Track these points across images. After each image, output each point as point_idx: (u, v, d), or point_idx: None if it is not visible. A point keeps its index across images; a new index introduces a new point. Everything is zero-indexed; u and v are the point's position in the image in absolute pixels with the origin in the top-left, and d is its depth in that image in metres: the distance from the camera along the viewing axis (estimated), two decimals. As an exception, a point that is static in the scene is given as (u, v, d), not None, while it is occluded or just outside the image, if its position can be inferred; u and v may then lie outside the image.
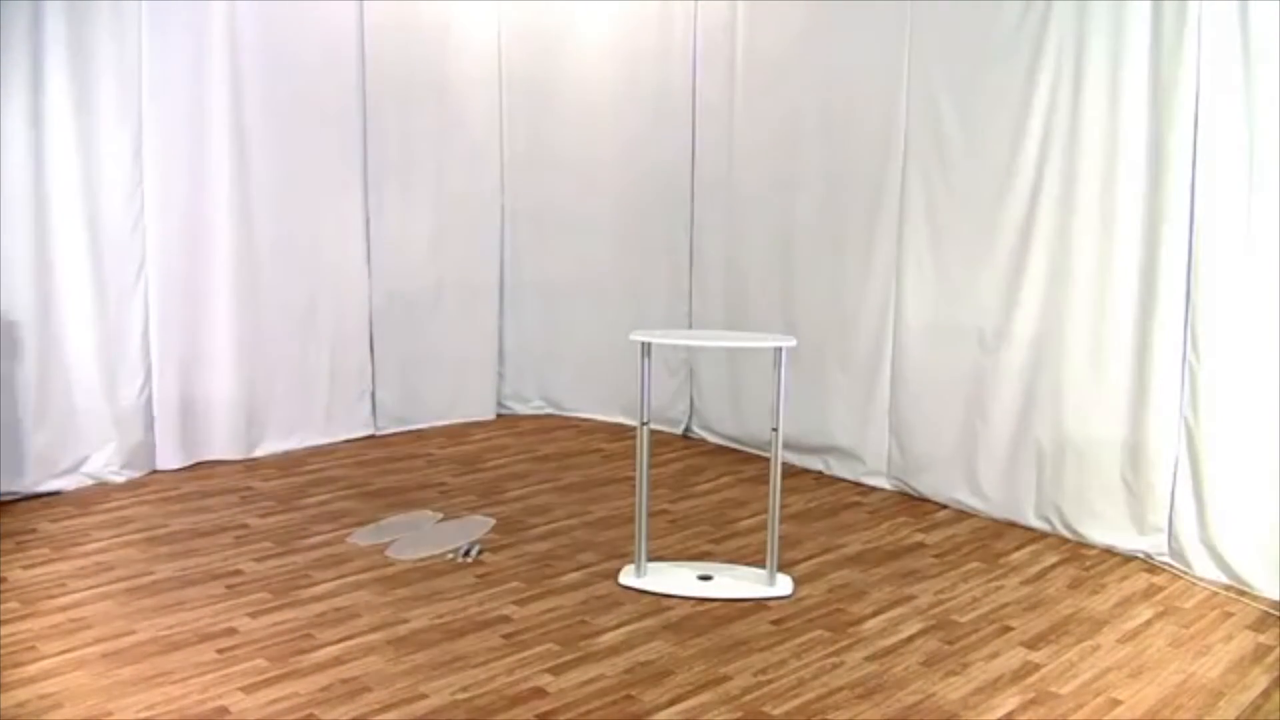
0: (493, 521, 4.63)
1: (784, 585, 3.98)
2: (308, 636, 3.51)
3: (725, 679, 3.30)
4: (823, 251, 5.32)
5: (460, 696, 3.16)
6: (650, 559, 4.08)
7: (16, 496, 4.70)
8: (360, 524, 4.57)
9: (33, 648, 3.38)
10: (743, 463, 5.58)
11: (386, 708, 3.09)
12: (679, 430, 6.10)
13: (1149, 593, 4.01)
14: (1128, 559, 4.30)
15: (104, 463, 5.01)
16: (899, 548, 4.44)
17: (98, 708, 3.03)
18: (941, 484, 4.95)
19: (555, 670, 3.33)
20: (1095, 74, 4.26)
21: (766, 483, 4.01)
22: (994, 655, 3.48)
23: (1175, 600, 3.94)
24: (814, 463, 5.45)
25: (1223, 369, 4.01)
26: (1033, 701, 3.19)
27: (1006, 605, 3.87)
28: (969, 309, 4.77)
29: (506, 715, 3.07)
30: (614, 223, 6.20)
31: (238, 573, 4.02)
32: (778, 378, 3.90)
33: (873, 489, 5.18)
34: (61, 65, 4.70)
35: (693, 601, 3.84)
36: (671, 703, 3.15)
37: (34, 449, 4.78)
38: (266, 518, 4.66)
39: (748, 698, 3.19)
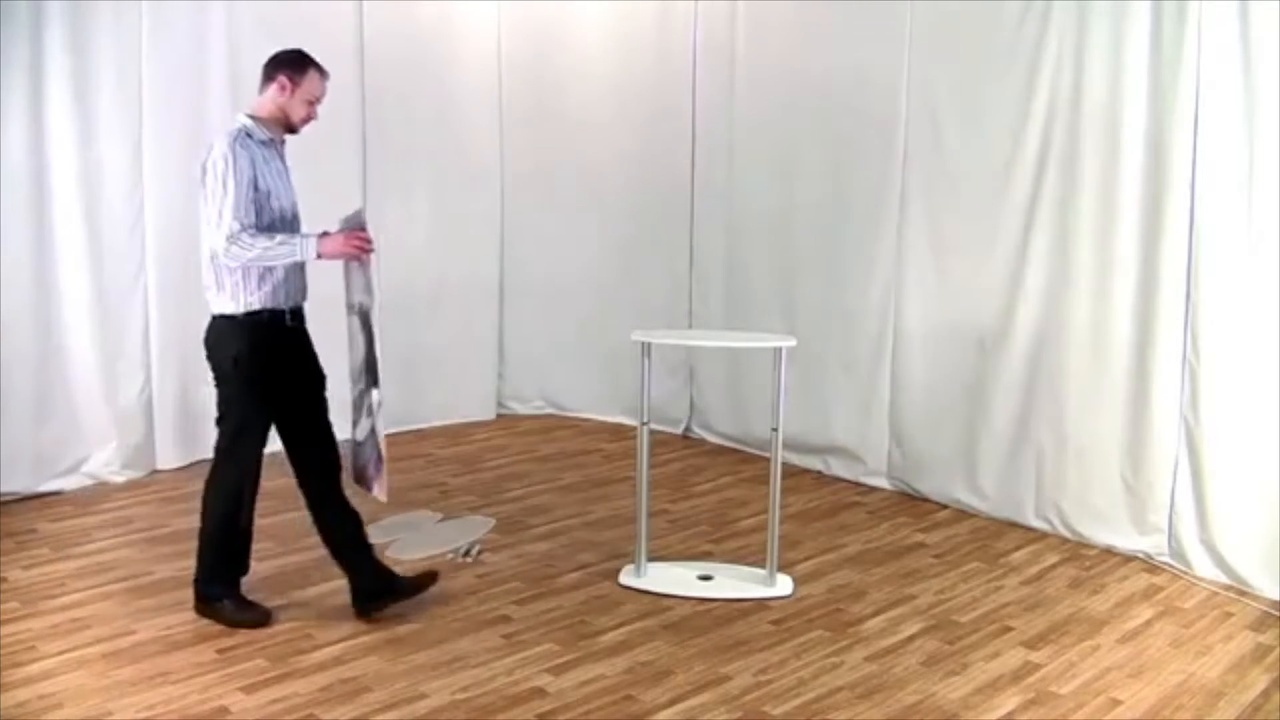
0: (493, 521, 4.63)
1: (784, 585, 3.98)
2: (308, 636, 3.51)
3: (725, 679, 3.30)
4: (823, 251, 5.33)
5: (460, 696, 3.16)
6: (650, 559, 4.08)
7: (16, 496, 4.70)
8: (360, 524, 4.56)
9: (33, 648, 3.38)
10: (743, 463, 5.58)
11: (386, 708, 3.09)
12: (679, 430, 6.10)
13: (1149, 593, 4.01)
14: (1128, 559, 4.30)
15: (104, 463, 5.01)
16: (899, 548, 4.44)
17: (98, 708, 3.03)
18: (941, 484, 4.95)
19: (555, 670, 3.33)
20: (1095, 74, 4.26)
21: (766, 483, 4.01)
22: (994, 655, 3.48)
23: (1175, 600, 3.94)
24: (814, 463, 5.45)
25: (1223, 369, 4.01)
26: (1033, 701, 3.19)
27: (1006, 605, 3.87)
28: (969, 309, 4.77)
29: (506, 715, 3.07)
30: (614, 223, 6.20)
31: (238, 573, 4.02)
32: (778, 378, 3.90)
33: (873, 489, 5.18)
34: (62, 66, 4.71)
35: (693, 601, 3.84)
36: (671, 703, 3.15)
37: (34, 449, 4.78)
38: (266, 518, 4.63)
39: (748, 698, 3.19)
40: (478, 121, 6.24)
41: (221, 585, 3.60)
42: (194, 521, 4.52)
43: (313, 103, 3.51)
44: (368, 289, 3.49)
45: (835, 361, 5.30)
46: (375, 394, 3.55)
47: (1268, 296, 3.87)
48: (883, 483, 5.20)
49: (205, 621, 3.59)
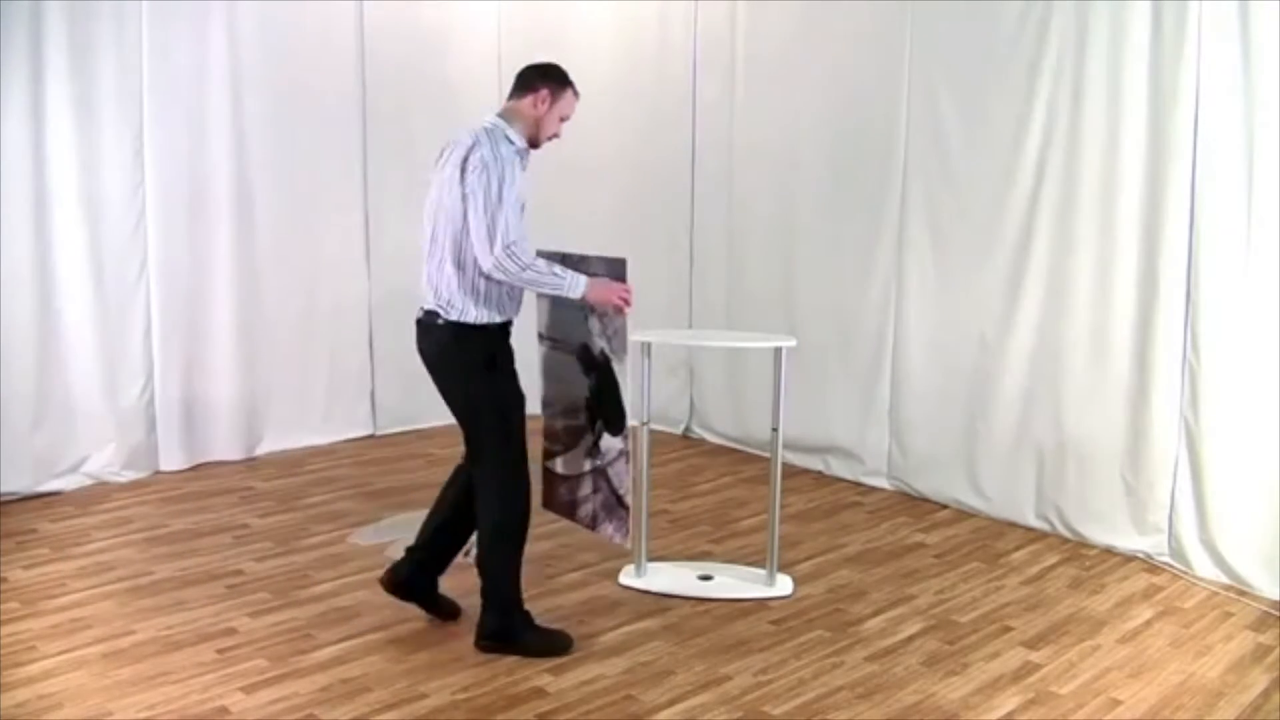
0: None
1: (784, 585, 3.98)
2: (308, 636, 3.51)
3: (725, 679, 3.30)
4: (823, 251, 5.33)
5: (460, 696, 3.16)
6: (650, 559, 4.08)
7: (16, 496, 4.71)
8: (360, 524, 4.57)
9: (33, 648, 3.38)
10: (743, 463, 5.58)
11: (386, 708, 3.09)
12: (679, 430, 6.10)
13: (1149, 593, 4.00)
14: (1128, 559, 4.30)
15: (104, 463, 5.02)
16: (899, 548, 4.44)
17: (98, 708, 3.03)
18: (941, 484, 4.95)
19: (555, 670, 3.32)
20: (1095, 74, 4.26)
21: (766, 483, 4.01)
22: (994, 655, 3.48)
23: (1175, 600, 3.94)
24: (814, 463, 5.45)
25: (1223, 369, 4.01)
26: (1033, 701, 3.18)
27: (1006, 605, 3.87)
28: (969, 309, 4.77)
29: (506, 715, 3.07)
30: (614, 223, 6.19)
31: (238, 573, 4.02)
32: (778, 378, 3.90)
33: (873, 489, 5.18)
34: (62, 66, 4.72)
35: (693, 601, 3.84)
36: (671, 703, 3.15)
37: (34, 449, 4.78)
38: (267, 518, 4.66)
39: (748, 698, 3.19)
40: (478, 121, 6.23)
41: (520, 609, 3.43)
42: (195, 521, 4.56)
43: (564, 120, 3.44)
44: (618, 337, 3.48)
45: (835, 361, 5.30)
46: (611, 440, 3.59)
47: (1268, 296, 3.87)
48: (883, 483, 5.20)
49: (205, 621, 3.59)
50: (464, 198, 3.21)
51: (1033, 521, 4.63)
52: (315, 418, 5.78)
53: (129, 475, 5.07)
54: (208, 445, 5.37)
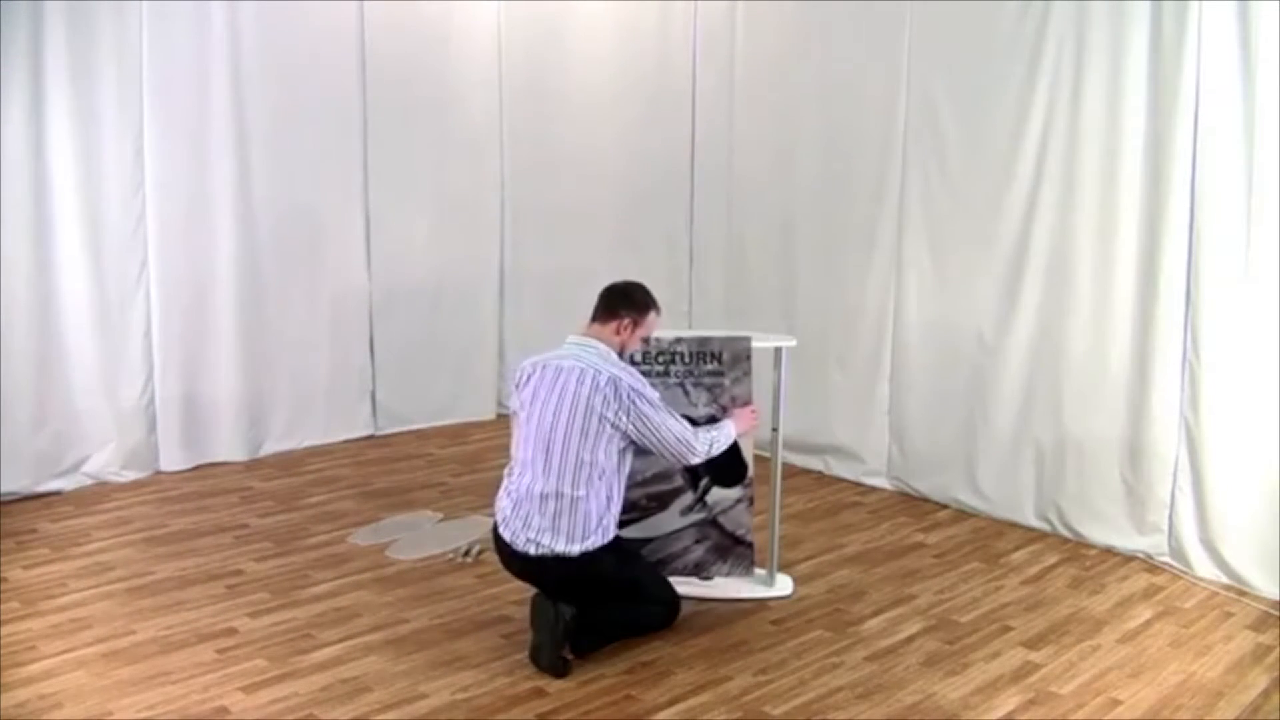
0: (493, 521, 4.61)
1: (784, 585, 3.98)
2: (308, 636, 3.51)
3: (725, 679, 3.30)
4: (823, 250, 5.33)
5: (460, 696, 3.16)
6: (650, 559, 4.08)
7: (16, 496, 4.71)
8: (360, 524, 4.57)
9: (33, 648, 3.38)
10: (743, 463, 5.57)
11: (386, 708, 3.09)
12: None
13: (1149, 593, 4.00)
14: (1128, 559, 4.30)
15: (104, 463, 5.01)
16: (899, 548, 4.44)
17: (98, 708, 3.03)
18: (941, 484, 4.95)
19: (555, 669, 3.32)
20: (1095, 74, 4.26)
21: (767, 483, 4.01)
22: (994, 655, 3.48)
23: (1175, 600, 3.94)
24: (814, 463, 5.45)
25: (1223, 369, 4.01)
26: (1033, 701, 3.18)
27: (1006, 605, 3.87)
28: (969, 308, 4.77)
29: (506, 715, 3.07)
30: (614, 222, 6.20)
31: (238, 573, 4.02)
32: (778, 378, 3.90)
33: (873, 489, 5.18)
34: (62, 65, 4.71)
35: (693, 601, 3.84)
36: (671, 703, 3.15)
37: (34, 449, 4.78)
38: (266, 518, 4.66)
39: (748, 698, 3.19)
40: (477, 121, 6.24)
41: None
42: (195, 521, 4.56)
43: (646, 339, 3.56)
44: (737, 404, 3.75)
45: (835, 361, 5.30)
46: (725, 491, 3.85)
47: (1267, 297, 3.86)
48: (883, 483, 5.20)
49: (205, 621, 3.59)
50: (638, 421, 3.30)
51: (1033, 521, 4.63)
52: (315, 418, 5.77)
53: (129, 475, 5.07)
54: (208, 445, 5.37)
